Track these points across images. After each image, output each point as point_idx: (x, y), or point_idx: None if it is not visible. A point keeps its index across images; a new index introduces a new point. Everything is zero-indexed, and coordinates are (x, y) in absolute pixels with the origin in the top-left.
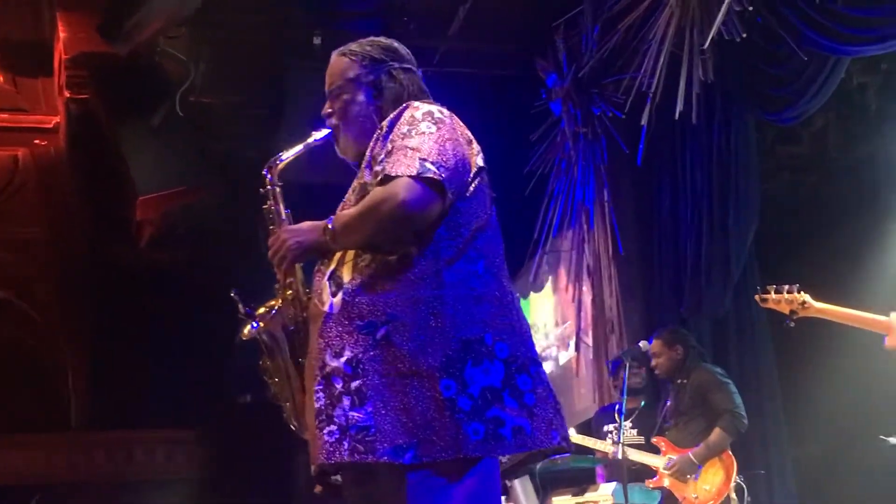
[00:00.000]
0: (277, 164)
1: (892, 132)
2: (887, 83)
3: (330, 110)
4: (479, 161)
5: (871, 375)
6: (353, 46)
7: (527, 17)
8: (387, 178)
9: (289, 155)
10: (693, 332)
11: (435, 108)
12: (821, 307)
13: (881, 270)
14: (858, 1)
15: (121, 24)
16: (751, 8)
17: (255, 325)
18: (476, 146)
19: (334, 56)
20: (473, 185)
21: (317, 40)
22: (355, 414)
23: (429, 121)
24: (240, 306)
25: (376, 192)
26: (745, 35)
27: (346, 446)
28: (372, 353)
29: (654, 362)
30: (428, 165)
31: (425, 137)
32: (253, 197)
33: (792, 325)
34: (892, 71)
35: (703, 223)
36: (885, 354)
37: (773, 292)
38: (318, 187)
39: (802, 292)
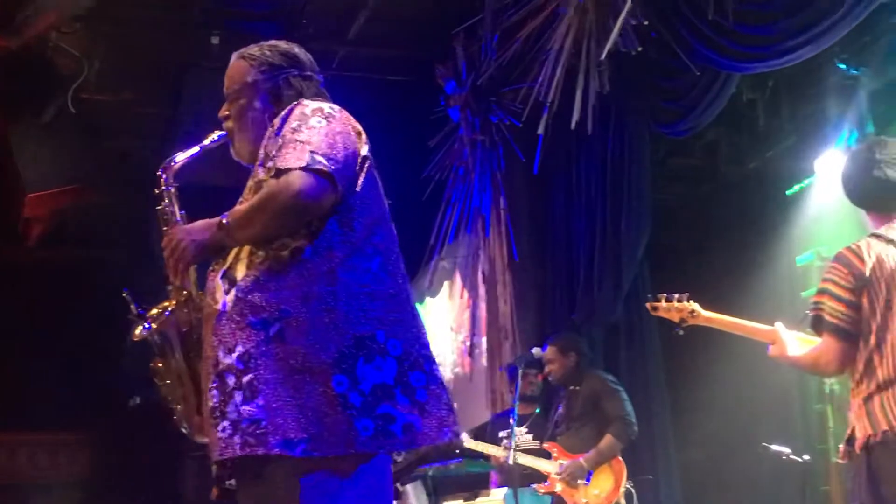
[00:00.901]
0: (172, 166)
1: (777, 147)
2: (774, 100)
3: (227, 113)
4: (364, 150)
5: (756, 384)
6: (254, 51)
7: (427, 24)
8: (279, 172)
9: (184, 156)
10: (585, 339)
11: (325, 105)
12: (709, 316)
13: (766, 281)
14: (748, 19)
15: (12, 16)
16: (646, 22)
17: (146, 326)
18: (364, 137)
19: (234, 59)
20: (362, 177)
21: (215, 40)
22: (247, 408)
23: (319, 115)
24: (132, 307)
25: (270, 185)
26: (640, 48)
27: (238, 440)
28: (264, 349)
29: (547, 369)
30: (318, 157)
31: (315, 131)
32: (149, 196)
33: (681, 333)
34: (778, 88)
35: (596, 232)
36: (769, 363)
37: (663, 300)
38: (214, 189)
39: (692, 301)
